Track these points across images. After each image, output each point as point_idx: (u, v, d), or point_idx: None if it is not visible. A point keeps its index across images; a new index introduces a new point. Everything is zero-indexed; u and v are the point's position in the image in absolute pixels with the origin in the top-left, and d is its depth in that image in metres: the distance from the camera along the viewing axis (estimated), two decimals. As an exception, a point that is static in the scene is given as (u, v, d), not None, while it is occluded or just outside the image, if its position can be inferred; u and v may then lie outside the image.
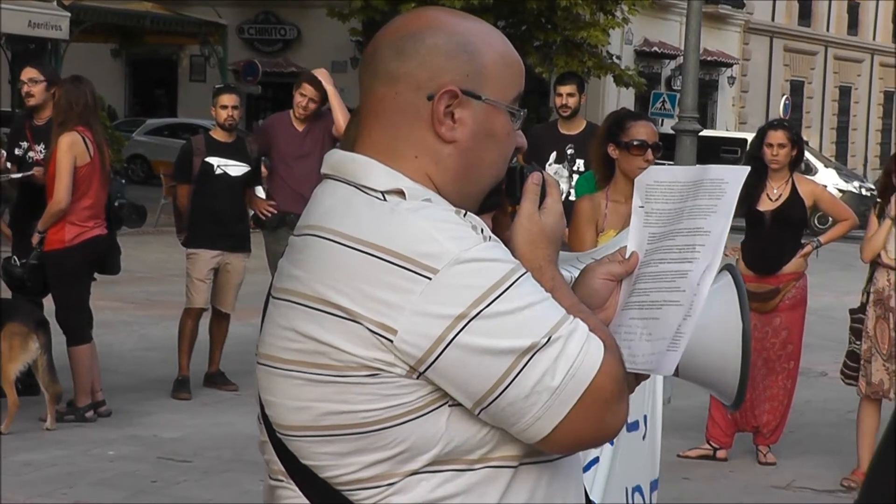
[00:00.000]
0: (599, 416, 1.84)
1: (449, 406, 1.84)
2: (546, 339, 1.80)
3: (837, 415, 8.95)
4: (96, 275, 8.33)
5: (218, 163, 8.96)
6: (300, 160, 9.06)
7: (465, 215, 1.88)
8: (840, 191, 26.89)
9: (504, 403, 1.81)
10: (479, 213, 1.97)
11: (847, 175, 31.15)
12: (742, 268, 7.52)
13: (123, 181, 20.79)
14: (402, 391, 1.82)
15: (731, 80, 42.08)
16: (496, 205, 2.03)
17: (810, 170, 28.30)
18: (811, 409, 9.18)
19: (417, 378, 1.82)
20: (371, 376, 1.82)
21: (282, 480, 1.95)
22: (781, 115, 36.27)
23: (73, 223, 7.97)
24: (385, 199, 1.88)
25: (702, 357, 2.04)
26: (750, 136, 35.38)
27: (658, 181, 2.18)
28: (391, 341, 1.80)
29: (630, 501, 4.53)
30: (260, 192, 9.50)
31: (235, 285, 9.19)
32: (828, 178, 27.65)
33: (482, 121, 1.94)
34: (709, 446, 7.82)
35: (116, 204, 8.49)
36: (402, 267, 1.80)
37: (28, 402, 7.90)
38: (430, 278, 1.79)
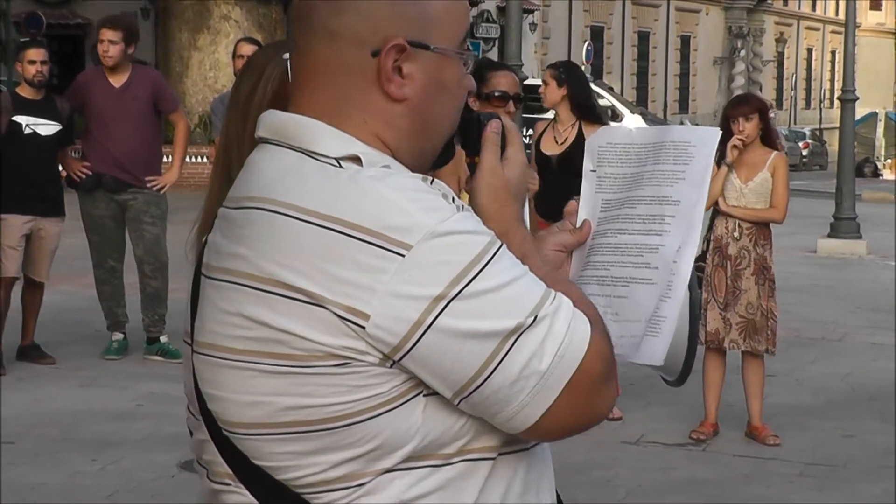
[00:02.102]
0: (589, 399, 1.69)
1: (424, 396, 1.66)
2: (532, 319, 1.63)
3: (678, 365, 8.89)
4: None
5: (27, 121, 8.44)
6: (118, 119, 8.57)
7: (432, 182, 1.69)
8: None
9: (488, 391, 1.64)
10: (430, 171, 1.80)
11: (652, 120, 31.69)
12: (533, 214, 7.28)
13: None
14: (374, 381, 1.64)
15: (533, 26, 42.37)
16: (448, 160, 1.83)
17: (617, 115, 28.67)
18: (649, 359, 9.09)
19: (391, 367, 1.64)
20: (339, 366, 1.62)
21: (228, 484, 1.74)
22: (584, 62, 36.69)
23: None
24: (341, 167, 1.68)
25: None
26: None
27: (612, 143, 2.04)
28: (363, 327, 1.61)
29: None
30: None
31: (50, 252, 8.69)
32: (634, 124, 28.03)
33: (433, 72, 1.75)
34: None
35: None
36: (370, 243, 1.61)
37: None
38: (403, 255, 1.60)
